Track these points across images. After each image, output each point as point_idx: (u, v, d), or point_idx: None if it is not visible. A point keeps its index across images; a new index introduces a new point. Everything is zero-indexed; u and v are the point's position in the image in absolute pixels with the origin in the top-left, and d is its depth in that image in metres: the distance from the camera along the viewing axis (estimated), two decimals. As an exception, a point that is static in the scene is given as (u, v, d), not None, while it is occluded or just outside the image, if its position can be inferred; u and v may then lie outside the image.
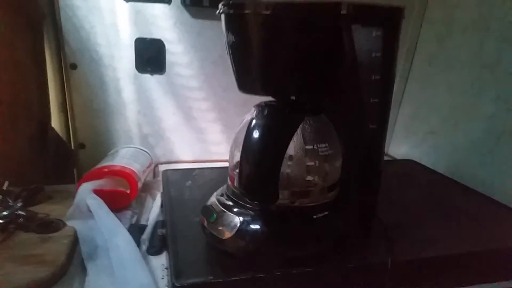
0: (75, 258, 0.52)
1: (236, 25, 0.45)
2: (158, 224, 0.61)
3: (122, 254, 0.50)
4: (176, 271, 0.45)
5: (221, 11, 0.45)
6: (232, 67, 0.49)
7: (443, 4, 0.88)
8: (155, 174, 0.88)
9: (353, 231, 0.52)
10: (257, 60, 0.46)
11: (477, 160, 0.78)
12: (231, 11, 0.44)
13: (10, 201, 0.58)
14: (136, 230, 0.58)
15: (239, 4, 0.43)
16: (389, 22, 0.45)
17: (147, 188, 0.75)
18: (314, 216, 0.49)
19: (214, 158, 0.92)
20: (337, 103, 0.49)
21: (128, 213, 0.64)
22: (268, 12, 0.42)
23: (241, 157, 0.44)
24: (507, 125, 0.72)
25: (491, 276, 0.55)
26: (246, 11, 0.43)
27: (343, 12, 0.41)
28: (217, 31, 0.81)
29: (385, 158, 1.00)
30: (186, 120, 0.88)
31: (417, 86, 0.96)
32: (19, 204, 0.58)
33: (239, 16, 0.44)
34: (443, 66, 0.88)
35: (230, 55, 0.48)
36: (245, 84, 0.49)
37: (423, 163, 0.89)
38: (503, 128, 0.73)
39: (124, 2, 0.76)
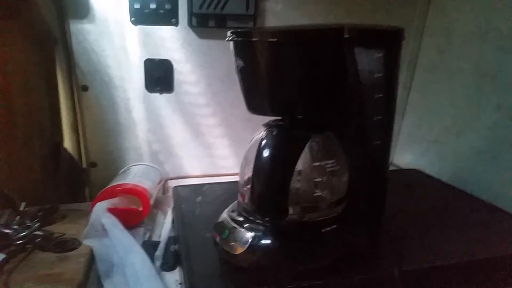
0: (92, 276, 0.53)
1: (245, 51, 0.47)
2: (170, 240, 0.62)
3: (138, 271, 0.51)
4: (190, 286, 0.47)
5: (230, 38, 0.47)
6: (241, 89, 0.50)
7: (442, 17, 0.89)
8: (164, 190, 0.89)
9: (361, 243, 0.54)
10: (265, 83, 0.47)
11: (481, 168, 0.79)
12: (240, 39, 0.46)
13: (28, 221, 0.59)
14: (149, 247, 0.59)
15: (247, 32, 0.45)
16: (390, 44, 0.46)
17: (158, 204, 0.76)
18: (323, 230, 0.50)
19: (222, 172, 0.93)
20: (342, 121, 0.51)
21: (141, 230, 0.65)
22: (274, 39, 0.43)
23: (252, 176, 0.45)
24: (509, 133, 0.73)
25: (498, 283, 0.55)
26: (254, 39, 0.45)
27: (346, 36, 0.43)
28: (222, 50, 0.83)
29: (390, 167, 1.01)
30: (194, 136, 0.89)
31: (419, 96, 0.97)
32: (36, 224, 0.59)
33: (247, 43, 0.46)
34: (445, 76, 0.89)
35: (239, 78, 0.49)
36: (254, 105, 0.51)
37: (427, 172, 0.90)
38: (505, 136, 0.74)
39: (133, 25, 0.78)
